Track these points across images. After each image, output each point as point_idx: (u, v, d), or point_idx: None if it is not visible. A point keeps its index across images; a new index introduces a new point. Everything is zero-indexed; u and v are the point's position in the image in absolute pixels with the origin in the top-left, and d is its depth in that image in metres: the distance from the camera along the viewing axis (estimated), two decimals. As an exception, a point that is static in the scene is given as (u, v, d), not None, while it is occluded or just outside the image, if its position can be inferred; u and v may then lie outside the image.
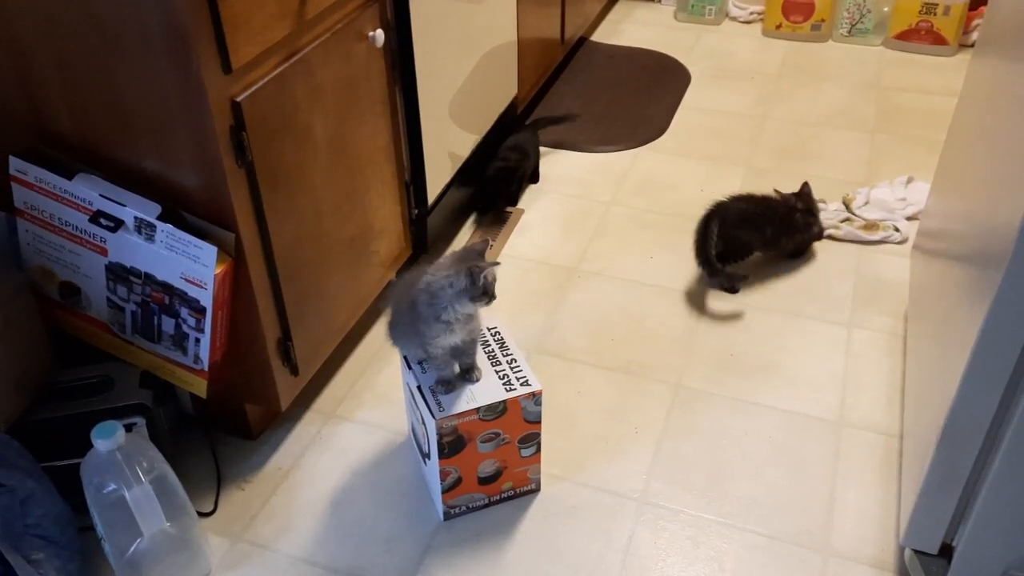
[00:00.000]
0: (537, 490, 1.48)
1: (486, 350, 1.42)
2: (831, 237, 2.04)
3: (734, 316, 1.85)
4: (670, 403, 1.65)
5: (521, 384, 1.36)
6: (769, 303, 1.88)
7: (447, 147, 1.91)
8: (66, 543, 1.28)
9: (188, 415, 1.58)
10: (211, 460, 1.54)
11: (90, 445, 1.21)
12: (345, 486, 1.51)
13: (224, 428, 1.59)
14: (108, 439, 1.20)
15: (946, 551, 1.23)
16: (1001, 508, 1.13)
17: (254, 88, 1.24)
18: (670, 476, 1.51)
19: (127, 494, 1.21)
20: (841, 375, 1.70)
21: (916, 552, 1.26)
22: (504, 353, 1.42)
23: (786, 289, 1.91)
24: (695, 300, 1.89)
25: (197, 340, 1.34)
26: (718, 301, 1.89)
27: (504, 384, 1.36)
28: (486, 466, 1.40)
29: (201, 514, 1.45)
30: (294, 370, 1.49)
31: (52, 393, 1.41)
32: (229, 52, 1.18)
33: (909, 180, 2.18)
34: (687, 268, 1.98)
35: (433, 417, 1.31)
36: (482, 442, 1.37)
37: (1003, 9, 1.40)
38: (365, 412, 1.65)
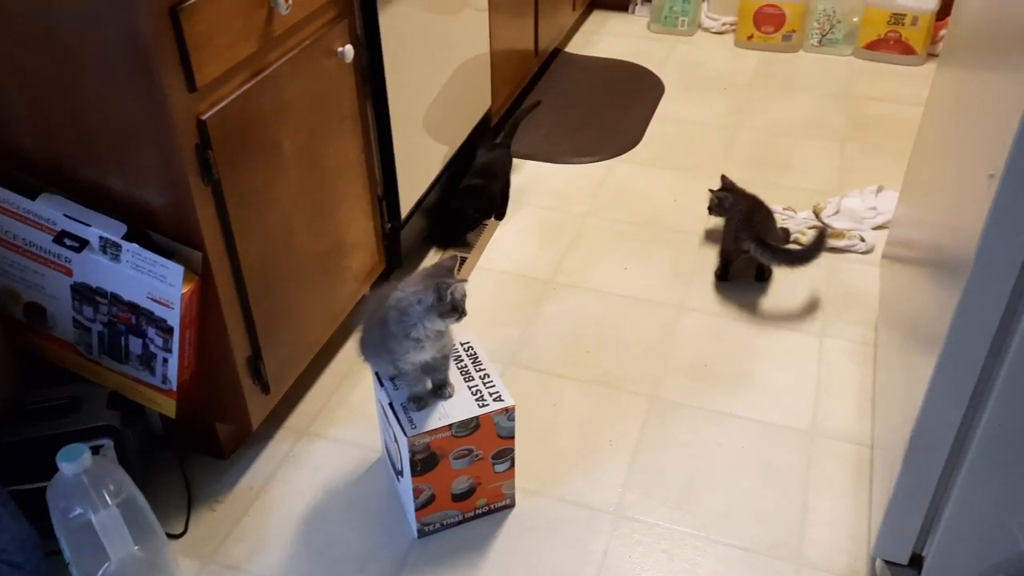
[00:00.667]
0: (512, 505, 1.47)
1: (459, 365, 1.42)
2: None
3: (708, 327, 1.85)
4: (645, 415, 1.65)
5: (494, 399, 1.35)
6: (742, 313, 1.89)
7: (420, 160, 1.90)
8: (32, 568, 1.26)
9: (157, 435, 1.56)
10: (181, 481, 1.53)
11: (56, 469, 1.20)
12: (318, 505, 1.49)
13: (194, 448, 1.57)
14: (74, 462, 1.18)
15: (916, 561, 1.24)
16: (969, 517, 1.14)
17: (220, 106, 1.24)
18: (645, 488, 1.51)
19: (94, 518, 1.19)
20: (813, 385, 1.71)
21: (887, 562, 1.26)
22: (477, 368, 1.41)
23: (759, 299, 1.92)
24: (669, 311, 1.90)
25: (165, 360, 1.33)
26: (692, 312, 1.89)
27: (477, 400, 1.35)
28: (460, 483, 1.39)
29: (171, 536, 1.43)
30: (265, 388, 1.48)
31: (18, 415, 1.38)
32: (194, 70, 1.17)
33: (879, 189, 2.20)
34: (662, 279, 1.98)
35: (405, 435, 1.30)
36: (455, 459, 1.36)
37: (964, 20, 1.42)
38: (338, 429, 1.64)
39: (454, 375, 1.39)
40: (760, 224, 1.90)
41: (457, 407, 1.34)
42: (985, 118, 1.08)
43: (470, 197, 2.09)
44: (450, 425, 1.32)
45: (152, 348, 1.32)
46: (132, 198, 1.26)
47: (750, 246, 1.86)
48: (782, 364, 1.76)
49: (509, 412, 1.35)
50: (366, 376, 1.75)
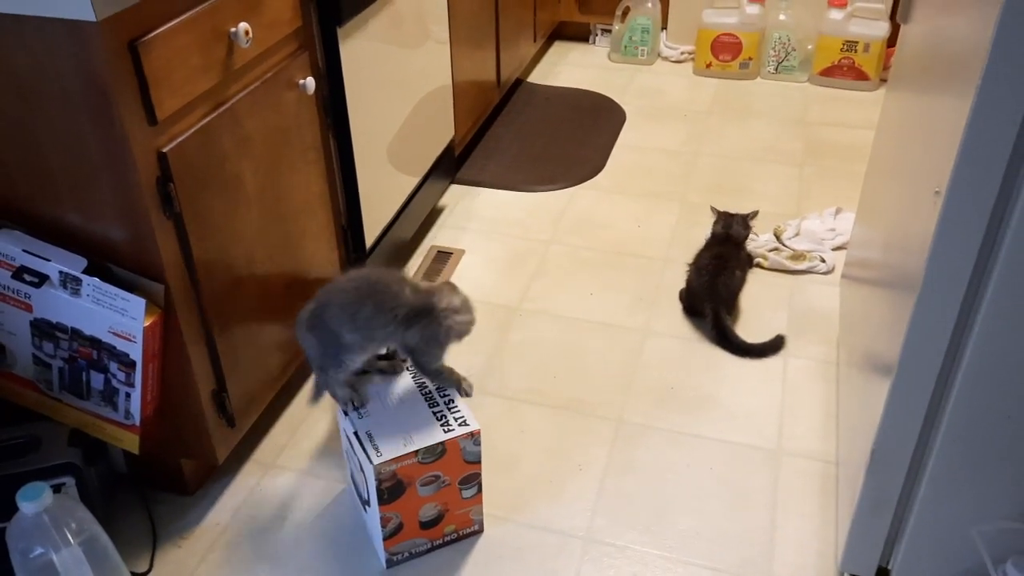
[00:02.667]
0: (480, 531, 1.47)
1: (423, 392, 1.42)
2: (758, 266, 2.09)
3: (673, 350, 1.87)
4: (612, 439, 1.66)
5: (459, 424, 1.35)
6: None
7: (384, 191, 1.91)
8: (-10, 613, 1.23)
9: (120, 473, 1.53)
10: (146, 518, 1.50)
11: (16, 508, 1.17)
12: (285, 538, 1.48)
13: (159, 485, 1.55)
14: (34, 501, 1.16)
15: (883, 575, 1.25)
16: (932, 529, 1.16)
17: (181, 139, 1.24)
18: (614, 512, 1.52)
19: (55, 557, 1.17)
20: (778, 405, 1.73)
21: (853, 577, 1.28)
22: (441, 394, 1.42)
23: (723, 321, 1.95)
24: (634, 335, 1.91)
25: (127, 395, 1.31)
26: (657, 336, 1.91)
27: (442, 425, 1.35)
28: (427, 510, 1.39)
29: (136, 574, 1.40)
30: (230, 421, 1.47)
31: (-25, 456, 1.36)
32: (154, 104, 1.18)
33: (838, 211, 2.25)
34: (626, 304, 2.00)
35: (371, 462, 1.29)
36: (422, 485, 1.35)
37: (908, 47, 1.47)
38: (305, 461, 1.62)
39: (418, 400, 1.40)
40: (723, 290, 1.88)
41: (422, 433, 1.34)
42: (930, 139, 1.12)
43: None
44: (416, 451, 1.31)
45: (114, 383, 1.31)
46: (92, 232, 1.25)
47: (709, 316, 1.87)
48: (747, 385, 1.78)
49: (475, 436, 1.35)
50: (332, 408, 1.74)
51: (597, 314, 1.98)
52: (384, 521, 1.36)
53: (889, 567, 1.23)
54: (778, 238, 2.17)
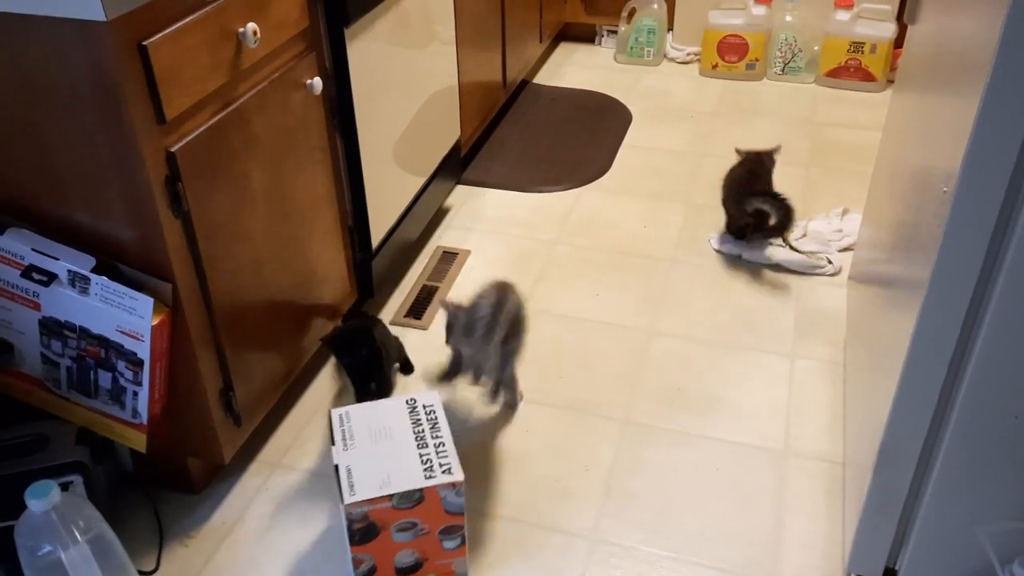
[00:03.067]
0: None
1: (415, 430, 1.34)
2: (767, 267, 2.09)
3: (679, 351, 1.87)
4: (618, 439, 1.66)
5: (443, 472, 1.26)
6: (713, 336, 1.91)
7: (390, 191, 1.92)
8: (-2, 610, 1.23)
9: (128, 472, 1.54)
10: (153, 517, 1.51)
11: (24, 506, 1.18)
12: (292, 538, 1.48)
13: (166, 484, 1.55)
14: (42, 499, 1.16)
15: (890, 575, 1.25)
16: (939, 530, 1.16)
17: (189, 138, 1.24)
18: (620, 513, 1.52)
19: (63, 555, 1.17)
20: (785, 405, 1.73)
21: (860, 577, 1.28)
22: (434, 435, 1.33)
23: (729, 322, 1.95)
24: (641, 336, 1.91)
25: (135, 393, 1.32)
26: (663, 336, 1.91)
27: (425, 469, 1.26)
28: (404, 556, 1.31)
29: (143, 573, 1.41)
30: (237, 420, 1.47)
31: (-16, 454, 1.36)
32: (163, 103, 1.18)
33: (845, 212, 2.25)
34: (632, 304, 2.00)
35: (342, 501, 1.22)
36: (397, 531, 1.27)
37: (915, 48, 1.47)
38: (311, 461, 1.63)
39: (408, 440, 1.32)
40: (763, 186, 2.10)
41: (402, 476, 1.25)
42: (938, 138, 1.11)
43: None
44: (391, 496, 1.23)
45: (122, 382, 1.31)
46: (101, 231, 1.26)
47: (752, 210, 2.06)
48: (753, 386, 1.78)
49: (457, 488, 1.26)
50: (340, 406, 1.74)
51: (603, 314, 1.98)
52: (356, 563, 1.28)
53: (896, 567, 1.23)
54: (785, 239, 2.17)
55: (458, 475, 1.26)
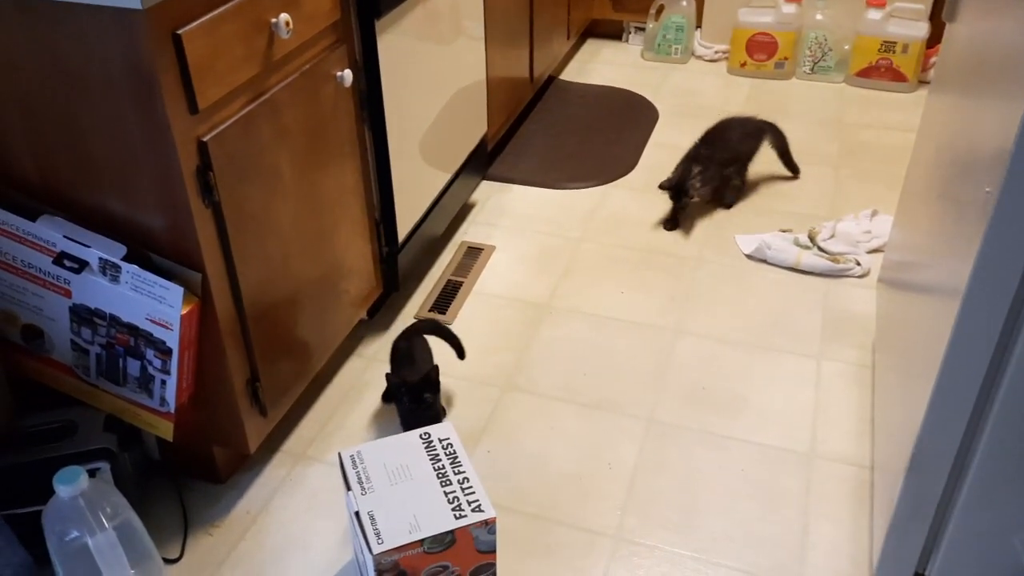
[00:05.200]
0: None
1: (435, 466, 1.27)
2: (793, 269, 2.07)
3: (705, 350, 1.86)
4: (643, 438, 1.65)
5: (473, 510, 1.20)
6: (739, 337, 1.89)
7: (417, 185, 1.92)
8: (26, 594, 1.24)
9: (154, 460, 1.55)
10: (178, 505, 1.51)
11: (52, 492, 1.19)
12: (315, 530, 1.48)
13: (191, 473, 1.56)
14: (70, 485, 1.17)
15: (919, 581, 1.23)
16: (971, 536, 1.14)
17: (221, 128, 1.25)
18: (644, 512, 1.51)
19: (90, 541, 1.18)
20: (811, 407, 1.71)
21: (889, 583, 1.26)
22: (456, 471, 1.26)
23: (755, 322, 1.93)
24: (666, 335, 1.90)
25: (163, 382, 1.32)
26: (689, 336, 1.90)
27: (454, 509, 1.20)
28: None
29: (167, 561, 1.42)
30: (263, 411, 1.48)
31: (12, 440, 1.37)
32: (196, 93, 1.18)
33: (874, 213, 2.22)
34: (657, 303, 1.99)
35: (371, 551, 1.16)
36: None
37: (955, 47, 1.44)
38: (335, 454, 1.63)
39: (429, 478, 1.26)
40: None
41: (430, 518, 1.19)
42: (979, 138, 1.09)
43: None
44: (422, 540, 1.17)
45: (150, 370, 1.32)
46: (132, 219, 1.26)
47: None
48: (779, 387, 1.76)
49: (489, 525, 1.20)
50: (363, 400, 1.74)
51: (628, 313, 1.97)
52: None
53: (926, 573, 1.21)
54: (812, 240, 2.15)
55: (490, 512, 1.20)
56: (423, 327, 1.75)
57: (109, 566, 1.20)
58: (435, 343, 1.75)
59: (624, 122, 2.76)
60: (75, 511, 1.18)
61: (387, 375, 1.59)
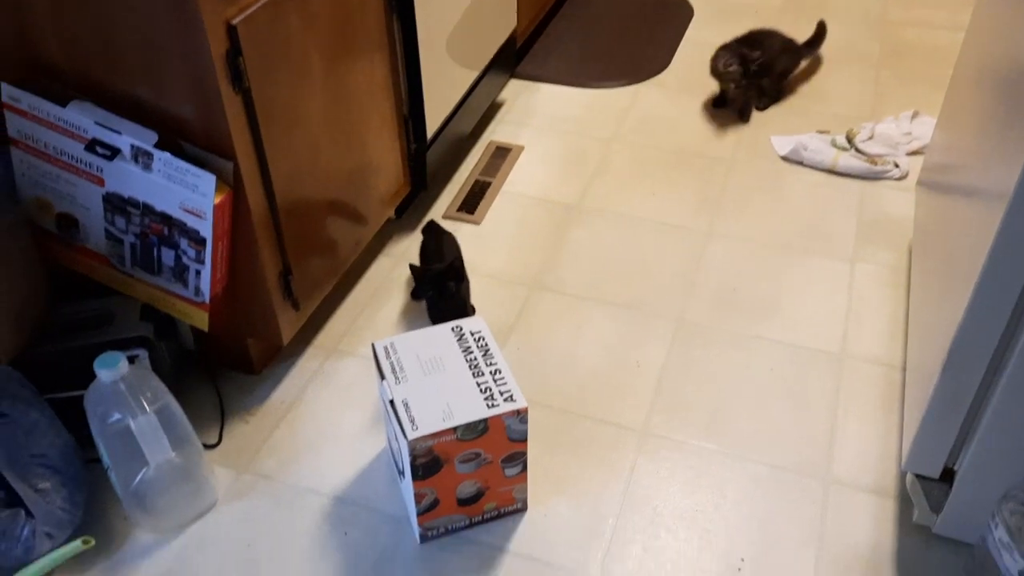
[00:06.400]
0: (523, 509, 1.36)
1: (468, 358, 1.29)
2: (830, 171, 2.02)
3: (736, 252, 1.84)
4: (671, 339, 1.65)
5: (505, 400, 1.22)
6: (771, 239, 1.87)
7: (446, 81, 1.87)
8: (73, 473, 1.28)
9: (189, 351, 1.57)
10: (214, 394, 1.54)
11: (92, 378, 1.21)
12: (348, 419, 1.51)
13: (226, 363, 1.58)
14: (111, 369, 1.19)
15: (947, 475, 1.24)
16: (1004, 431, 1.14)
17: (250, 11, 1.21)
18: (671, 409, 1.52)
19: (132, 424, 1.21)
20: (844, 309, 1.70)
21: (918, 476, 1.27)
22: (488, 362, 1.28)
23: (789, 225, 1.90)
24: (697, 237, 1.88)
25: (197, 272, 1.33)
26: (720, 238, 1.88)
27: (486, 399, 1.22)
28: (466, 487, 1.28)
29: (206, 446, 1.45)
30: (295, 305, 1.49)
31: (51, 328, 1.40)
32: (224, -27, 1.15)
33: (915, 114, 2.16)
34: (689, 205, 1.96)
35: (406, 437, 1.18)
36: (461, 462, 1.24)
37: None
38: (366, 348, 1.65)
39: (462, 370, 1.27)
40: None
41: (463, 407, 1.21)
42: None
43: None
44: (455, 428, 1.19)
45: (184, 260, 1.32)
46: (162, 106, 1.25)
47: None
48: (812, 289, 1.74)
49: (521, 414, 1.23)
50: (392, 297, 1.75)
51: (659, 214, 1.94)
52: (419, 497, 1.25)
53: (955, 467, 1.21)
54: (850, 141, 2.09)
55: (521, 402, 1.22)
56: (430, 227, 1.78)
57: (150, 447, 1.23)
58: (464, 241, 1.74)
59: (657, 20, 2.67)
60: (116, 395, 1.21)
61: (411, 265, 1.59)
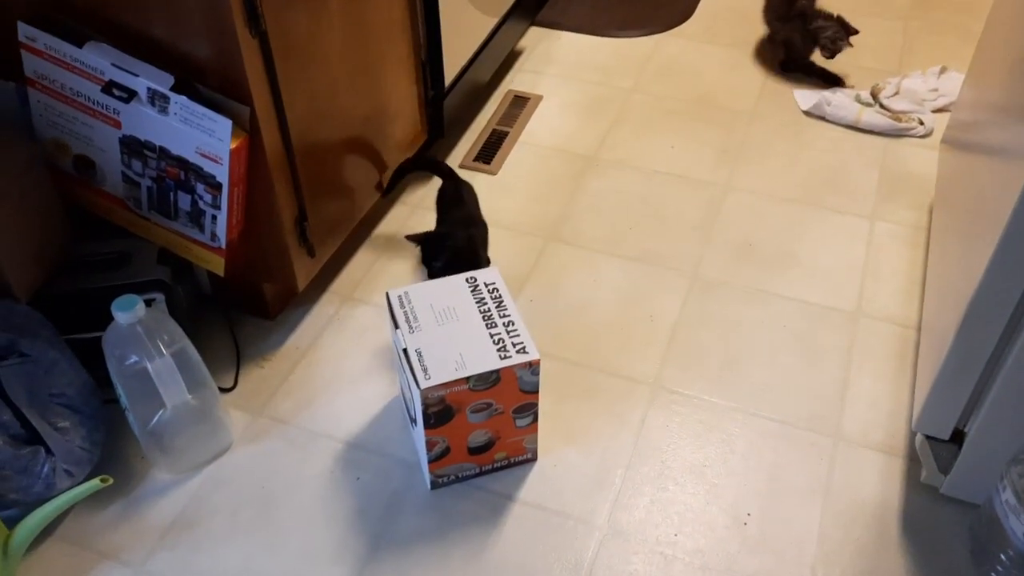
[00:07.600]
0: (533, 460, 1.38)
1: (481, 309, 1.29)
2: (853, 127, 1.99)
3: (754, 207, 1.82)
4: (686, 292, 1.65)
5: (518, 351, 1.23)
6: (790, 194, 1.85)
7: (464, 27, 1.84)
8: (91, 412, 1.31)
9: (206, 295, 1.58)
10: (229, 338, 1.56)
11: (110, 320, 1.22)
12: (362, 366, 1.52)
13: (242, 308, 1.60)
14: (128, 311, 1.20)
15: (957, 436, 1.24)
16: (1015, 394, 1.14)
17: (267, -49, 1.19)
18: (684, 363, 1.52)
19: (149, 366, 1.22)
20: (860, 267, 1.68)
21: (927, 437, 1.27)
22: (501, 314, 1.28)
23: (808, 180, 1.88)
24: (715, 190, 1.86)
25: (214, 217, 1.33)
26: (739, 192, 1.86)
27: (499, 350, 1.23)
28: (477, 436, 1.29)
29: (222, 389, 1.47)
30: (311, 251, 1.49)
31: (69, 268, 1.41)
32: (240, -88, 1.12)
33: (942, 70, 2.11)
34: (709, 157, 1.94)
35: (418, 386, 1.19)
36: (472, 412, 1.25)
37: None
38: (381, 296, 1.65)
39: (476, 321, 1.28)
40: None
41: (476, 358, 1.22)
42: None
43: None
44: (467, 378, 1.20)
45: (201, 205, 1.33)
46: (178, 48, 1.23)
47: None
48: (829, 246, 1.73)
49: (533, 366, 1.23)
50: (408, 246, 1.75)
51: (678, 167, 1.92)
52: (430, 445, 1.27)
53: (966, 429, 1.22)
54: (875, 97, 2.06)
55: (534, 354, 1.23)
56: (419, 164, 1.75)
57: (167, 389, 1.25)
58: (480, 192, 1.73)
59: (682, -33, 2.60)
60: (133, 337, 1.22)
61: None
